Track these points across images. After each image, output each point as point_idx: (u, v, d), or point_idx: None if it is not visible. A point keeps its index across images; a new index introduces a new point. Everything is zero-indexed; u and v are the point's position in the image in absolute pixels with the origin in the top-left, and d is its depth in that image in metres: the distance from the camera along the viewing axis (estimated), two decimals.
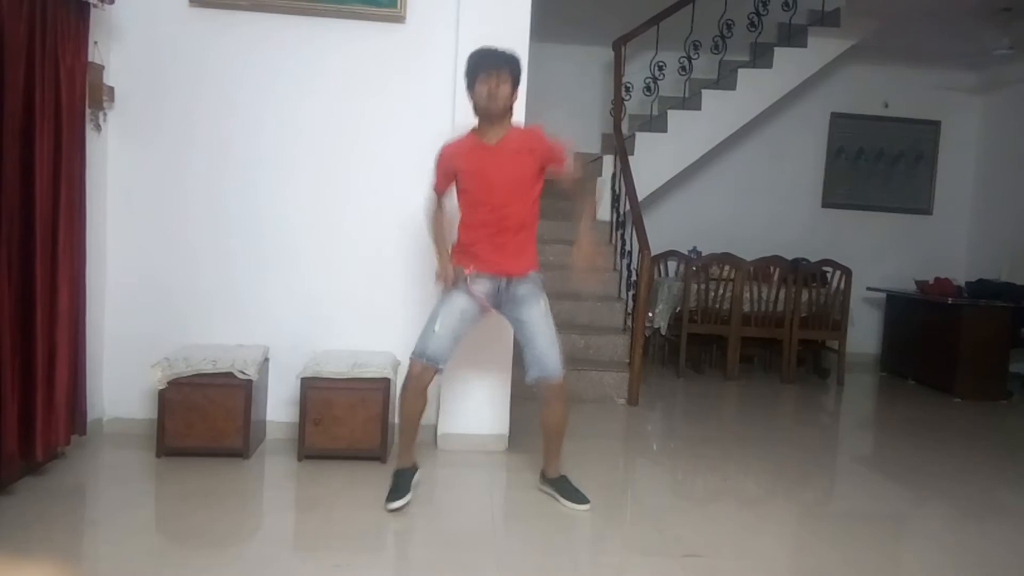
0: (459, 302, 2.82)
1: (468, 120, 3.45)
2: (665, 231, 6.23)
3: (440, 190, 2.89)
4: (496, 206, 2.74)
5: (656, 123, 6.06)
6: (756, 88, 5.97)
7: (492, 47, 2.73)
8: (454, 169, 2.80)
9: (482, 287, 2.81)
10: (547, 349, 2.83)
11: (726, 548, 2.66)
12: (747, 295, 5.69)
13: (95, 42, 3.16)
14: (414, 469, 2.96)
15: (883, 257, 6.91)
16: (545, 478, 3.05)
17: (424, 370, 2.81)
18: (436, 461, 3.44)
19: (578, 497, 2.90)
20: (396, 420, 3.53)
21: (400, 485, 2.85)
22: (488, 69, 2.67)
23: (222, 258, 3.54)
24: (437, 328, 2.80)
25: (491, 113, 2.71)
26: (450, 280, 2.79)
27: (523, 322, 2.85)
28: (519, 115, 3.46)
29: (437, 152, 2.86)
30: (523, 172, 2.75)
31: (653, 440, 4.29)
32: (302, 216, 3.57)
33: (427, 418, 3.62)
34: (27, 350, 2.73)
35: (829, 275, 5.89)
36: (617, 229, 5.60)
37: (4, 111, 2.55)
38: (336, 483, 3.02)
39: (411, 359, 2.85)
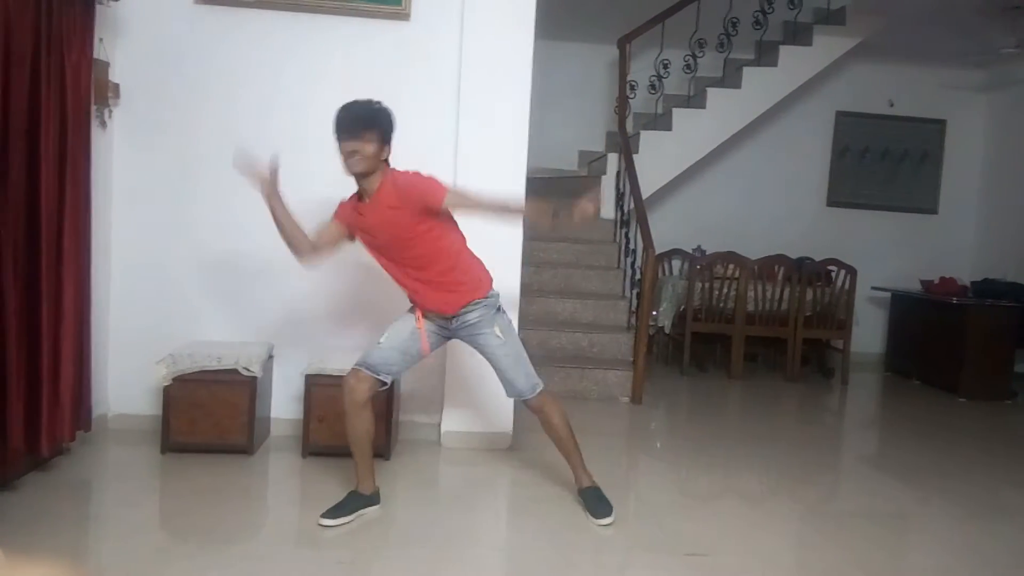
0: (410, 322, 2.74)
1: (470, 117, 3.47)
2: (669, 229, 6.21)
3: (344, 233, 2.70)
4: (397, 257, 2.65)
5: (661, 121, 6.05)
6: (761, 86, 5.95)
7: (355, 102, 2.54)
8: (346, 222, 2.67)
9: (432, 323, 2.74)
10: (512, 372, 2.76)
11: (729, 546, 2.66)
12: (751, 294, 5.67)
13: (100, 39, 3.17)
14: (372, 499, 2.76)
15: (888, 256, 6.88)
16: (578, 489, 2.93)
17: (359, 381, 2.65)
18: (440, 458, 3.45)
19: (598, 510, 2.79)
20: (400, 417, 3.56)
21: (345, 505, 2.68)
22: (347, 129, 2.49)
23: (227, 255, 3.55)
24: (383, 340, 2.71)
25: (355, 174, 2.55)
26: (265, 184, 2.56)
27: (481, 348, 2.77)
28: (523, 111, 3.49)
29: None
30: (399, 225, 2.56)
31: (657, 438, 4.29)
32: (307, 212, 3.57)
33: (431, 417, 3.64)
34: (33, 346, 2.74)
35: (834, 274, 5.88)
36: (621, 227, 5.59)
37: (10, 108, 2.55)
38: (340, 480, 3.03)
39: (348, 372, 2.71)
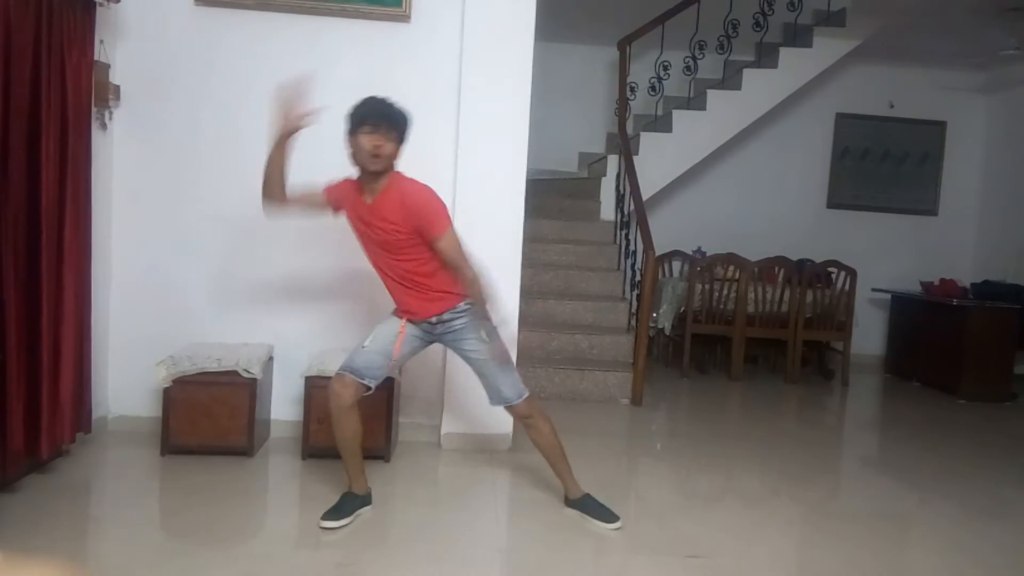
0: (394, 327, 2.70)
1: (471, 120, 3.48)
2: (669, 231, 6.21)
3: (328, 200, 2.66)
4: (381, 263, 2.63)
5: (661, 123, 6.05)
6: (761, 88, 5.96)
7: (385, 99, 2.50)
8: (342, 206, 2.64)
9: (412, 329, 2.70)
10: (497, 378, 2.72)
11: (729, 547, 2.66)
12: (752, 295, 5.67)
13: (101, 40, 3.17)
14: (366, 499, 2.77)
15: (888, 258, 6.89)
16: (569, 500, 2.88)
17: (345, 386, 2.60)
18: (440, 460, 3.45)
19: (606, 515, 2.76)
20: (400, 419, 3.56)
21: (344, 507, 2.69)
22: (375, 123, 2.43)
23: (227, 256, 3.55)
24: (367, 344, 2.66)
25: (368, 170, 2.49)
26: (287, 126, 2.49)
27: (467, 354, 2.73)
28: (523, 113, 3.50)
29: (338, 179, 2.66)
30: (394, 238, 2.53)
31: (657, 440, 4.28)
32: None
33: (431, 418, 3.64)
34: (33, 348, 2.74)
35: (834, 276, 5.88)
36: (621, 229, 5.59)
37: (11, 109, 2.56)
38: (339, 482, 3.01)
39: (333, 377, 2.66)
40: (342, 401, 2.61)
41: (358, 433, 2.70)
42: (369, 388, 2.65)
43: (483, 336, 2.69)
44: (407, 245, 2.55)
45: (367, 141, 2.44)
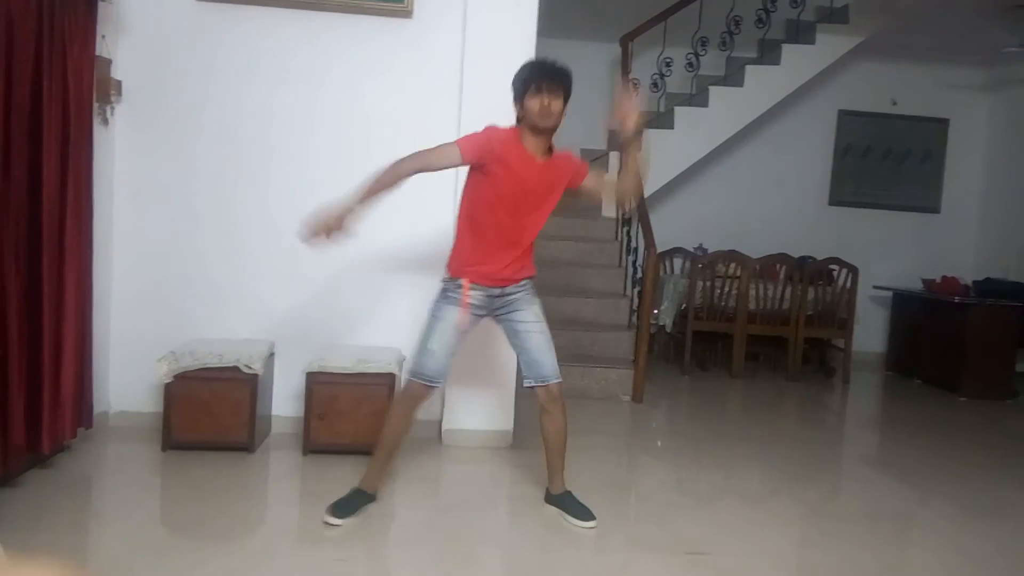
0: (453, 316, 2.65)
1: (473, 116, 3.45)
2: (671, 228, 6.20)
3: (467, 158, 2.54)
4: (518, 224, 2.63)
5: (663, 120, 6.04)
6: (764, 85, 5.95)
7: (547, 59, 2.57)
8: (496, 158, 2.53)
9: (476, 298, 2.68)
10: (543, 353, 2.73)
11: (730, 545, 2.66)
12: (753, 293, 5.67)
13: (103, 36, 3.16)
14: (374, 498, 2.76)
15: (890, 255, 6.88)
16: (550, 495, 2.89)
17: (424, 390, 2.67)
18: (441, 457, 3.45)
19: (583, 513, 2.75)
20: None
21: (350, 503, 2.67)
22: (541, 83, 2.50)
23: (229, 252, 3.55)
24: (433, 346, 2.65)
25: (541, 129, 2.55)
26: (323, 233, 2.54)
27: (517, 325, 2.75)
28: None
29: (486, 127, 2.60)
30: (557, 197, 2.67)
31: (657, 437, 4.29)
32: (308, 210, 3.56)
33: (432, 414, 3.64)
34: (34, 343, 2.74)
35: (835, 273, 5.87)
36: (623, 226, 5.59)
37: (12, 105, 2.55)
38: (340, 478, 3.02)
39: (410, 379, 2.69)
40: (417, 404, 2.71)
41: (406, 433, 2.77)
42: (440, 388, 2.76)
43: (536, 310, 2.78)
44: (550, 205, 2.69)
45: (539, 101, 2.50)
